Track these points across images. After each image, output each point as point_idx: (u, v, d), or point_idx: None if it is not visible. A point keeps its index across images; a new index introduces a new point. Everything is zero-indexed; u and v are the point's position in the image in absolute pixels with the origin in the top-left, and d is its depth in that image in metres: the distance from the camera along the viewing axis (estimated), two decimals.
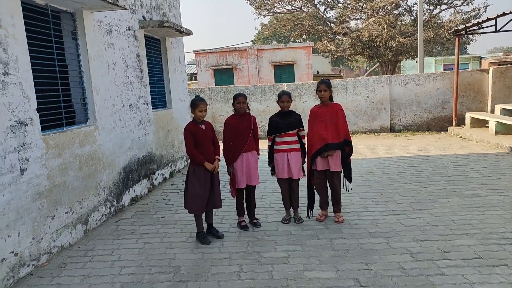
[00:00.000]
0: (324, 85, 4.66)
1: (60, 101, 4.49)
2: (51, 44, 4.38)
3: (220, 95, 12.78)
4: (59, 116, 4.47)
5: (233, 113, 4.64)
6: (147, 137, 6.67)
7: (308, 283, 3.28)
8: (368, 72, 31.92)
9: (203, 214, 4.38)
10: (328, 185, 4.79)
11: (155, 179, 6.89)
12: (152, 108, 7.06)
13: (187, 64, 37.84)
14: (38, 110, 3.95)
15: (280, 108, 4.72)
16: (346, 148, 4.61)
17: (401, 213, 4.85)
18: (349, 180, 4.72)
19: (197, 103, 4.21)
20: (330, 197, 4.81)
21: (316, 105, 4.84)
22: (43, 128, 4.09)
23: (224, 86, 13.28)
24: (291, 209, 4.83)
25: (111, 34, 5.57)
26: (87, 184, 4.75)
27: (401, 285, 3.16)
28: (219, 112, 12.81)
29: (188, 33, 7.87)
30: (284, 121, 4.64)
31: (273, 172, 4.81)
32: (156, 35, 7.49)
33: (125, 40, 5.99)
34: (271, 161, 4.79)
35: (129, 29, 6.15)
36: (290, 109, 4.71)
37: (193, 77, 30.69)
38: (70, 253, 4.14)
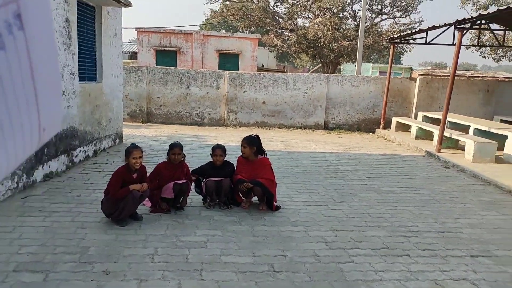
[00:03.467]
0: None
1: None
2: None
3: (159, 76, 12.27)
4: None
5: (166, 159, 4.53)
6: (70, 110, 6.17)
7: (223, 267, 3.24)
8: (311, 71, 32.85)
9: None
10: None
11: (76, 156, 6.41)
12: (79, 80, 6.54)
13: (128, 43, 35.99)
14: None
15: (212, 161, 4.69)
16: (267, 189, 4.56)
17: (323, 204, 5.02)
18: (270, 207, 4.67)
19: (130, 150, 3.98)
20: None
21: (242, 157, 4.76)
22: None
23: (163, 67, 12.76)
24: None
25: None
26: None
27: (313, 271, 3.25)
28: (155, 93, 12.31)
29: (127, 4, 7.41)
30: (217, 175, 4.63)
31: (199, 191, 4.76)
32: (91, 2, 6.94)
33: (53, 2, 5.45)
34: (197, 186, 4.76)
35: None
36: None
37: (133, 56, 29.27)
38: None
